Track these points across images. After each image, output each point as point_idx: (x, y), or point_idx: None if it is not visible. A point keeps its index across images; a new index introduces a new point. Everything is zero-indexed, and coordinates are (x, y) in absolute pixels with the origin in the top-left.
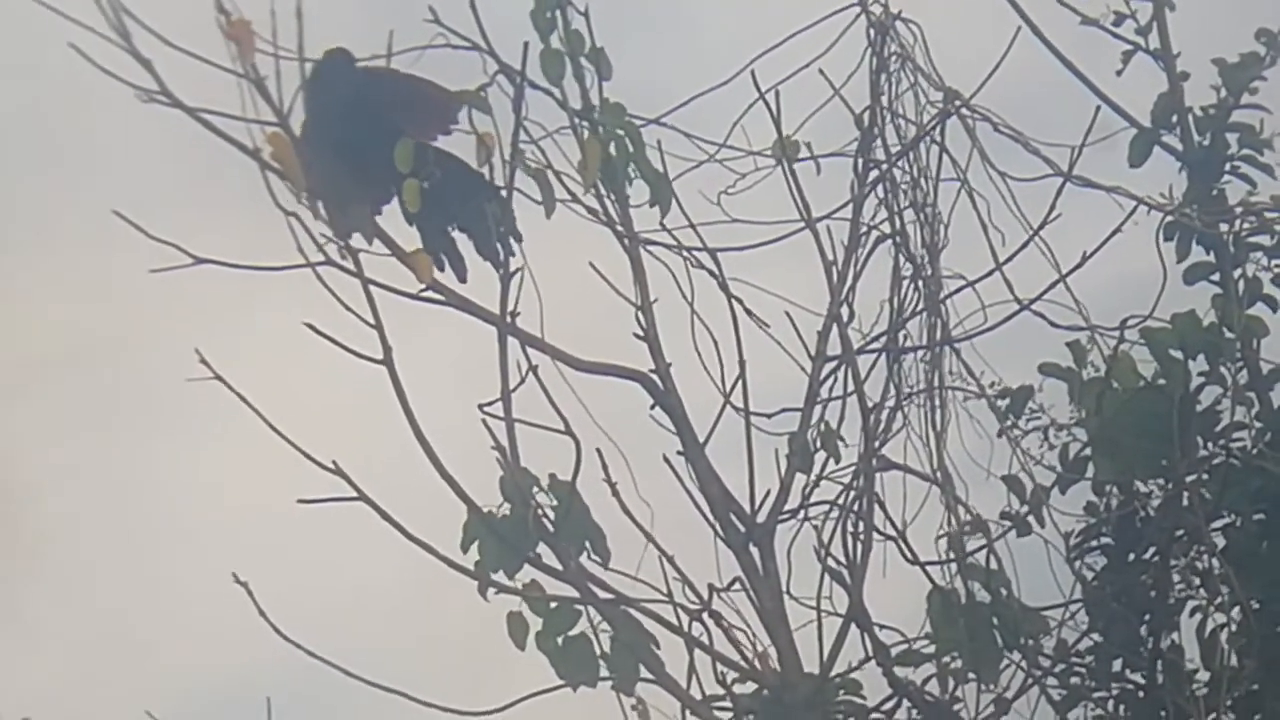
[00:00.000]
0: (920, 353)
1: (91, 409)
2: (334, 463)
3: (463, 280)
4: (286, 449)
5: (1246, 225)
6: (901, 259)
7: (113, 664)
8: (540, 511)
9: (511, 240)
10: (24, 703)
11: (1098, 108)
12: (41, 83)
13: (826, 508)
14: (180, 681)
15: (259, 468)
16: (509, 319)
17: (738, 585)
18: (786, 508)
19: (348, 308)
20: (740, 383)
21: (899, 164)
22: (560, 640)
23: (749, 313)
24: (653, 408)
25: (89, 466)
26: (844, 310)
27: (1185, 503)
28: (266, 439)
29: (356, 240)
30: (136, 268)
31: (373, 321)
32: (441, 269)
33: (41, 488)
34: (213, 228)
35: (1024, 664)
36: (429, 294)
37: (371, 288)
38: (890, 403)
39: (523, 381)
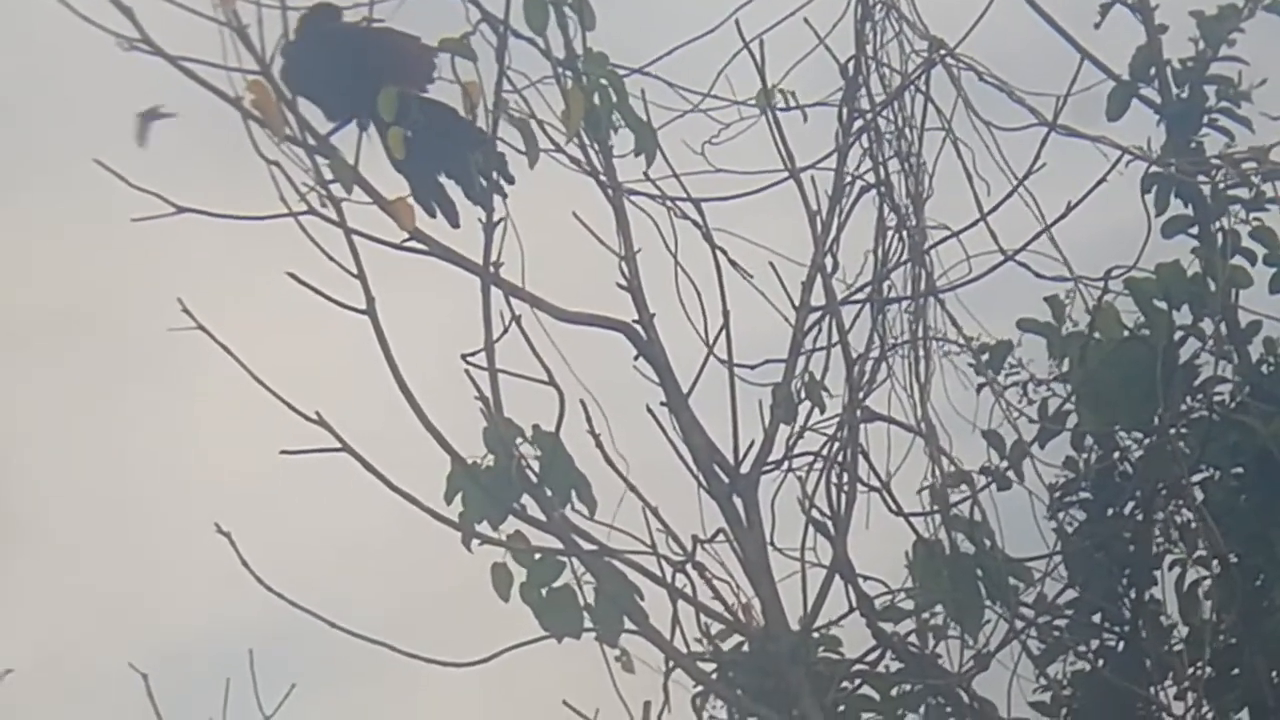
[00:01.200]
0: (904, 304)
1: (72, 360)
2: (317, 413)
3: (455, 226)
4: (269, 400)
5: (1225, 179)
6: (886, 209)
7: (96, 617)
8: (524, 462)
9: (503, 183)
10: (6, 655)
11: (1081, 59)
12: (21, 30)
13: (810, 459)
14: (164, 633)
15: (242, 419)
16: (492, 269)
17: (721, 536)
18: (770, 459)
19: (330, 257)
20: (724, 333)
21: (884, 113)
22: (544, 592)
23: (733, 263)
24: (636, 358)
25: (69, 418)
26: (828, 261)
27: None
28: (249, 390)
29: (338, 189)
30: (118, 217)
31: (355, 271)
32: (433, 216)
33: (22, 440)
34: (194, 177)
35: (1006, 616)
36: (412, 244)
37: (354, 237)
38: (874, 354)
39: (505, 332)
